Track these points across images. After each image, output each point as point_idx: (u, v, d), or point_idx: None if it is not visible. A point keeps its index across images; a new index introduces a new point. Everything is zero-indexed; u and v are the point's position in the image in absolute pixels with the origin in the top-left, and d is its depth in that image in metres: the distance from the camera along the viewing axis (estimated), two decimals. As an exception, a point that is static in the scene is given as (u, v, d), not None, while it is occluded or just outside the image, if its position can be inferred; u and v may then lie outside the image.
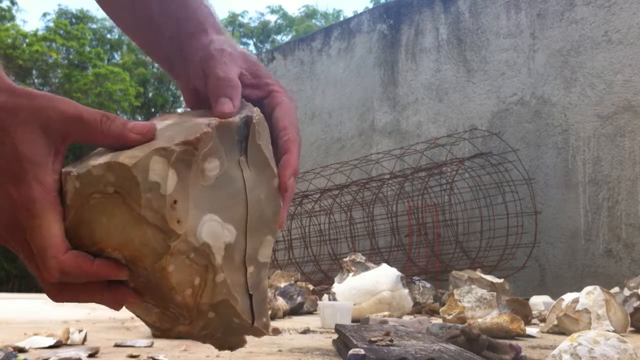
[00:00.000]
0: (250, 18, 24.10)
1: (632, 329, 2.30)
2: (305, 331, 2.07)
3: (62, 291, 0.52)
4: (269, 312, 2.60)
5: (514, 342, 1.50)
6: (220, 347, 0.59)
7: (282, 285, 3.38)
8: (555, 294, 3.14)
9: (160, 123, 0.54)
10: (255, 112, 0.57)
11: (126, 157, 0.49)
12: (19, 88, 0.50)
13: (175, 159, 0.49)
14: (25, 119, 0.49)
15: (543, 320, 2.71)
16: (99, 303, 0.53)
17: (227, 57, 0.60)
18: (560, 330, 2.20)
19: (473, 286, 2.69)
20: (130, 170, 0.48)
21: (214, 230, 0.52)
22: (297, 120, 0.63)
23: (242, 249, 0.54)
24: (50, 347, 1.55)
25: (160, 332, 0.57)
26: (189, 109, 0.61)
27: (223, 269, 0.52)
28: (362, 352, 1.10)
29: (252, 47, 20.50)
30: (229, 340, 0.57)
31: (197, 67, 0.61)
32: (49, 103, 0.50)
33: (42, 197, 0.49)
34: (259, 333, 0.57)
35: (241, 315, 0.55)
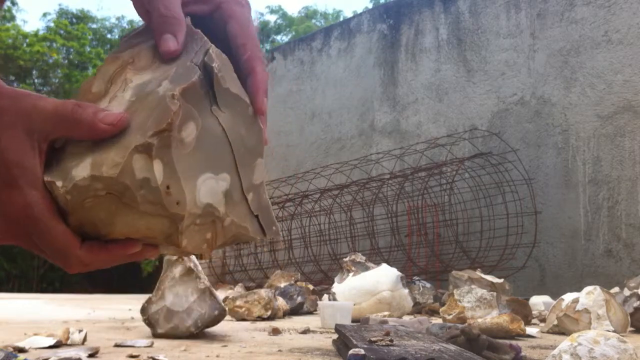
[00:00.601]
0: (250, 18, 23.94)
1: (632, 329, 2.30)
2: (305, 331, 2.07)
3: (89, 268, 0.53)
4: (270, 312, 2.59)
5: (514, 342, 1.50)
6: (237, 243, 0.62)
7: (282, 285, 3.38)
8: (555, 294, 3.14)
9: (121, 97, 0.53)
10: (213, 56, 0.54)
11: (108, 167, 0.49)
12: (5, 88, 0.50)
13: (155, 151, 0.49)
14: (9, 122, 0.48)
15: (543, 320, 2.71)
16: (116, 263, 0.55)
17: None
18: (560, 330, 2.20)
19: (473, 286, 2.69)
20: (117, 180, 0.49)
21: (210, 187, 0.53)
22: (254, 29, 0.59)
23: (238, 185, 0.56)
24: (50, 347, 1.55)
25: (181, 255, 0.61)
26: (139, 48, 0.57)
27: (227, 213, 0.55)
28: (362, 352, 1.10)
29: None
30: (245, 240, 0.60)
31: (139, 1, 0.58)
32: (32, 103, 0.49)
33: (38, 201, 0.49)
34: (270, 239, 0.61)
35: (252, 236, 0.58)
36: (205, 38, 0.56)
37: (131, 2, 0.61)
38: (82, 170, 0.49)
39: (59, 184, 0.49)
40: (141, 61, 0.56)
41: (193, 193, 0.52)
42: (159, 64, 0.55)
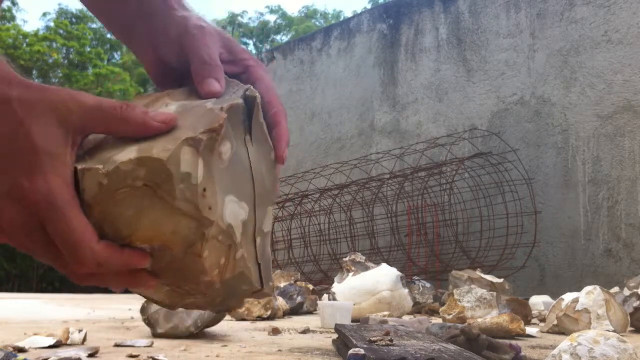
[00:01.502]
0: (250, 18, 24.09)
1: (632, 329, 2.30)
2: (305, 331, 2.07)
3: (88, 278, 0.52)
4: (270, 312, 2.60)
5: (514, 342, 1.50)
6: (218, 311, 0.62)
7: (282, 285, 3.38)
8: (555, 294, 3.14)
9: (167, 108, 0.55)
10: (254, 90, 0.58)
11: (159, 151, 0.49)
12: (33, 83, 0.49)
13: (203, 148, 0.50)
14: (41, 111, 0.48)
15: (543, 320, 2.71)
16: (118, 287, 0.54)
17: (207, 36, 0.60)
18: (560, 330, 2.20)
19: (473, 286, 2.69)
20: (165, 164, 0.49)
21: (234, 210, 0.54)
22: (276, 91, 0.64)
23: (253, 223, 0.57)
24: (50, 347, 1.55)
25: (164, 306, 0.59)
26: (170, 90, 0.60)
27: (242, 245, 0.55)
28: (362, 352, 1.10)
29: (252, 47, 20.50)
30: (227, 304, 0.60)
31: (174, 43, 0.61)
32: (68, 95, 0.49)
33: (62, 189, 0.48)
34: (264, 295, 0.60)
35: (253, 283, 0.58)
36: (242, 84, 0.60)
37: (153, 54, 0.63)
38: (127, 154, 0.49)
39: (100, 166, 0.49)
40: (177, 95, 0.58)
41: (222, 207, 0.52)
42: (197, 98, 0.57)
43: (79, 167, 0.49)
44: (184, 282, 0.54)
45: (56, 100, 0.49)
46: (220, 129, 0.51)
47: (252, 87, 0.58)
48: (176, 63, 0.61)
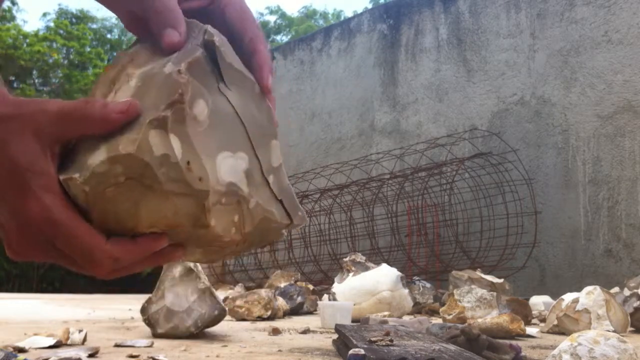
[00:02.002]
0: (250, 18, 23.92)
1: (632, 329, 2.30)
2: (305, 331, 2.07)
3: (114, 273, 0.52)
4: (270, 312, 2.59)
5: (514, 342, 1.50)
6: (262, 247, 0.60)
7: (282, 285, 3.38)
8: (555, 294, 3.14)
9: (126, 87, 0.53)
10: (212, 32, 0.54)
11: (125, 145, 0.48)
12: (9, 97, 0.49)
13: (170, 124, 0.49)
14: (16, 128, 0.47)
15: (543, 320, 2.71)
16: (143, 268, 0.54)
17: None
18: (560, 330, 2.20)
19: (473, 286, 2.69)
20: (136, 156, 0.48)
21: (230, 166, 0.52)
22: (252, 14, 0.59)
23: (258, 166, 0.55)
24: (50, 347, 1.55)
25: (206, 263, 0.59)
26: (136, 48, 0.57)
27: (251, 194, 0.54)
28: (362, 352, 1.10)
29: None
30: (267, 239, 0.58)
31: None
32: (37, 107, 0.48)
33: (55, 203, 0.48)
34: (298, 225, 0.58)
35: (280, 221, 0.56)
36: (201, 24, 0.55)
37: (116, 16, 0.60)
38: (97, 156, 0.49)
39: (76, 175, 0.48)
40: (140, 58, 0.55)
41: (214, 170, 0.51)
42: (160, 56, 0.54)
43: (61, 177, 0.49)
44: (210, 244, 0.54)
45: (28, 113, 0.48)
46: (182, 97, 0.49)
47: (209, 29, 0.54)
48: (141, 12, 0.57)
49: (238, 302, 2.65)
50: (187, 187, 0.49)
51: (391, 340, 1.28)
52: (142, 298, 2.15)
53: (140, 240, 0.50)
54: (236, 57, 0.56)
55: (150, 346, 1.58)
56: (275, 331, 2.00)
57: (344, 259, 3.02)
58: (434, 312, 3.15)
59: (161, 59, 0.53)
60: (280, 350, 1.56)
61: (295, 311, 3.03)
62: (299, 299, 3.08)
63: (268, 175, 0.56)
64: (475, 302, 2.46)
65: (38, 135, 0.48)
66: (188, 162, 0.49)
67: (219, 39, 0.54)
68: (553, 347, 1.50)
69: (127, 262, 0.51)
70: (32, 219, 0.48)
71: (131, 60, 0.55)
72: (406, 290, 2.79)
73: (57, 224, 0.48)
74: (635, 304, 2.31)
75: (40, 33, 16.29)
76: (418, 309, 3.22)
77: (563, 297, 2.29)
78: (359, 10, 19.95)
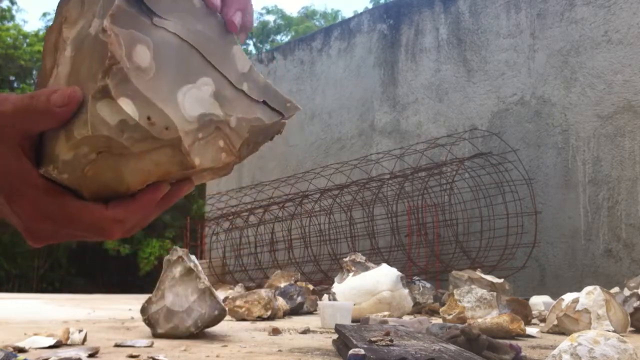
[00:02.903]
0: (250, 18, 23.92)
1: (632, 329, 2.30)
2: (305, 331, 2.07)
3: (130, 230, 0.52)
4: (270, 312, 2.59)
5: (514, 342, 1.50)
6: (271, 139, 0.59)
7: (282, 285, 3.39)
8: (555, 294, 3.14)
9: (64, 58, 0.51)
10: None
11: (79, 129, 0.48)
12: None
13: (113, 90, 0.47)
14: None
15: (543, 320, 2.71)
16: (161, 211, 0.54)
17: None
18: (560, 330, 2.20)
19: (473, 286, 2.69)
20: (93, 136, 0.47)
21: (195, 97, 0.51)
22: None
23: (226, 82, 0.53)
24: (50, 347, 1.55)
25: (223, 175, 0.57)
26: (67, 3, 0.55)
27: (228, 113, 0.52)
28: (362, 352, 1.10)
29: (251, 47, 20.51)
30: (272, 131, 0.57)
31: None
32: None
33: (46, 197, 0.49)
34: (289, 117, 0.57)
35: (270, 122, 0.55)
36: None
37: None
38: (61, 144, 0.49)
39: (50, 168, 0.49)
40: (72, 14, 0.53)
41: (178, 111, 0.49)
42: (88, 6, 0.52)
43: (40, 171, 0.49)
44: (213, 166, 0.53)
45: None
46: (114, 58, 0.47)
47: None
48: None
49: (238, 302, 2.65)
50: (156, 142, 0.48)
51: (391, 340, 1.28)
52: (142, 298, 2.15)
53: (140, 195, 0.50)
54: None
55: (150, 346, 1.58)
56: (275, 331, 2.00)
57: (344, 259, 3.02)
58: (434, 312, 3.15)
59: (89, 12, 0.51)
60: (280, 350, 1.56)
61: (295, 311, 3.03)
62: (299, 299, 3.08)
63: (241, 85, 0.54)
64: (475, 302, 2.46)
65: (3, 137, 0.48)
66: (148, 117, 0.48)
67: None
68: (553, 347, 1.50)
69: (134, 220, 0.51)
70: (34, 218, 0.49)
71: (65, 19, 0.54)
72: (406, 290, 2.79)
73: (53, 214, 0.49)
74: (635, 304, 2.31)
75: (40, 33, 16.28)
76: (418, 309, 3.22)
77: (563, 297, 2.29)
78: (359, 10, 19.97)
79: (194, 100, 0.50)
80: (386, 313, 2.51)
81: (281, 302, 2.85)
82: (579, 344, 1.14)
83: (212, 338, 1.83)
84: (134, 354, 1.40)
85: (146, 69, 0.48)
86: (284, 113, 0.56)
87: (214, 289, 1.91)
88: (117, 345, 1.59)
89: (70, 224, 0.50)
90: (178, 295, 1.85)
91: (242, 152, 0.54)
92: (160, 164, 0.49)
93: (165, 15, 0.51)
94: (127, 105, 0.47)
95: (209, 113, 0.51)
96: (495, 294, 2.52)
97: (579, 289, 2.33)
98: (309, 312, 3.15)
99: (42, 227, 0.50)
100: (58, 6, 0.55)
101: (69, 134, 0.48)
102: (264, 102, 0.55)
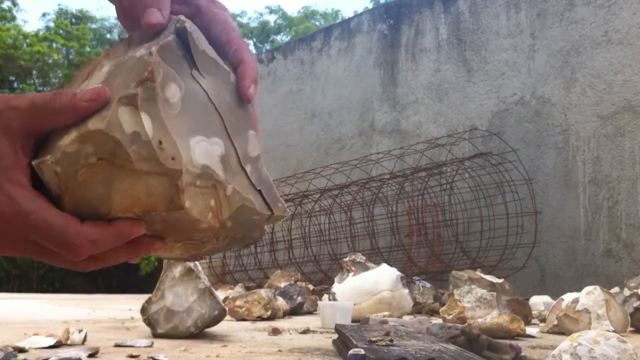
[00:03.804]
0: (250, 18, 24.09)
1: (632, 329, 2.30)
2: (305, 331, 2.07)
3: (91, 263, 0.52)
4: (270, 312, 2.59)
5: (514, 342, 1.50)
6: (245, 245, 0.60)
7: (282, 285, 3.39)
8: (555, 294, 3.14)
9: (99, 73, 0.53)
10: (184, 20, 0.54)
11: (95, 122, 0.48)
12: None
13: (140, 102, 0.48)
14: None
15: (543, 320, 2.71)
16: (123, 260, 0.53)
17: None
18: (560, 330, 2.20)
19: (473, 286, 2.69)
20: (106, 133, 0.47)
21: (204, 149, 0.51)
22: (235, 25, 0.59)
23: (234, 153, 0.54)
24: (50, 347, 1.55)
25: (187, 260, 0.58)
26: (113, 46, 0.58)
27: (228, 180, 0.53)
28: (362, 352, 1.10)
29: (252, 47, 20.50)
30: (251, 235, 0.58)
31: None
32: (4, 103, 0.49)
33: (23, 194, 0.47)
34: (279, 218, 0.58)
35: (259, 211, 0.56)
36: (179, 16, 0.55)
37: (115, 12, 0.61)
38: (69, 136, 0.48)
39: (47, 157, 0.48)
40: (116, 52, 0.55)
41: (187, 151, 0.50)
42: (135, 48, 0.54)
43: (33, 163, 0.49)
44: (189, 234, 0.53)
45: None
46: (152, 75, 0.48)
47: (181, 18, 0.54)
48: (127, 3, 0.58)
49: (238, 302, 2.65)
50: (159, 166, 0.48)
51: (391, 340, 1.28)
52: (142, 298, 2.15)
53: (117, 222, 0.50)
54: (210, 47, 0.55)
55: (150, 346, 1.58)
56: (275, 331, 2.00)
57: (344, 259, 3.02)
58: (434, 312, 3.15)
59: (135, 50, 0.53)
60: (280, 350, 1.56)
61: (295, 311, 3.03)
62: (299, 299, 3.08)
63: (245, 164, 0.55)
64: (475, 302, 2.46)
65: (7, 131, 0.48)
66: (160, 142, 0.48)
67: (191, 25, 0.54)
68: (553, 347, 1.50)
69: (104, 246, 0.50)
70: (3, 215, 0.47)
71: (107, 55, 0.55)
72: (406, 290, 2.79)
73: (26, 214, 0.47)
74: (635, 304, 2.31)
75: (40, 33, 16.29)
76: (418, 309, 3.22)
77: (563, 297, 2.29)
78: (359, 10, 19.96)
79: (203, 151, 0.51)
80: (386, 313, 2.51)
81: (281, 302, 2.85)
82: (579, 344, 1.14)
83: (212, 338, 1.83)
84: (134, 354, 1.40)
85: (172, 105, 0.50)
86: (274, 210, 0.56)
87: (214, 289, 1.91)
88: (117, 345, 1.59)
89: (37, 231, 0.48)
90: (178, 295, 1.85)
91: (225, 227, 0.54)
92: (152, 194, 0.49)
93: (204, 74, 0.53)
94: (146, 121, 0.48)
95: (212, 169, 0.52)
96: (495, 294, 2.52)
97: (579, 289, 2.33)
98: (309, 312, 3.15)
99: (7, 235, 0.48)
100: (104, 49, 0.57)
101: (81, 127, 0.48)
102: (260, 192, 0.56)
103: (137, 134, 0.48)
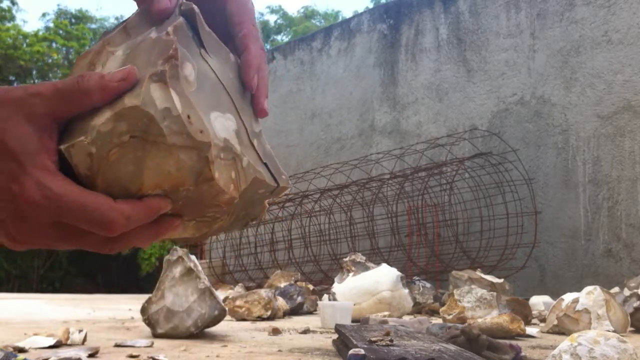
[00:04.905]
0: (250, 18, 23.91)
1: (632, 329, 2.30)
2: (305, 331, 2.07)
3: (119, 241, 0.52)
4: (270, 312, 2.59)
5: (514, 342, 1.50)
6: (245, 224, 0.62)
7: (282, 285, 3.39)
8: (555, 294, 3.14)
9: (113, 58, 0.54)
10: (188, 3, 0.56)
11: (131, 99, 0.49)
12: None
13: (169, 78, 0.50)
14: (7, 114, 0.48)
15: (543, 320, 2.71)
16: (147, 241, 0.54)
17: None
18: (560, 330, 2.20)
19: (473, 286, 2.69)
20: (142, 109, 0.49)
21: (222, 124, 0.54)
22: (253, 9, 0.61)
23: (244, 129, 0.57)
24: (50, 347, 1.55)
25: (196, 239, 0.59)
26: (107, 37, 0.57)
27: (244, 153, 0.55)
28: (362, 352, 1.10)
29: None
30: (250, 215, 0.60)
31: None
32: (25, 92, 0.49)
33: (54, 179, 0.48)
34: (283, 190, 0.60)
35: (268, 183, 0.58)
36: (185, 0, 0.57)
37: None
38: (102, 116, 0.49)
39: (82, 138, 0.49)
40: (116, 40, 0.56)
41: (210, 126, 0.52)
42: (135, 33, 0.55)
43: (63, 147, 0.49)
44: (206, 210, 0.55)
45: (17, 97, 0.48)
46: (176, 52, 0.50)
47: (184, 0, 0.56)
48: None
49: (238, 302, 2.65)
50: (190, 139, 0.50)
51: (391, 340, 1.28)
52: (142, 298, 2.15)
53: (147, 199, 0.51)
54: (210, 31, 0.57)
55: (150, 346, 1.58)
56: (275, 331, 2.00)
57: (344, 259, 3.02)
58: (434, 312, 3.15)
59: (141, 35, 0.54)
60: (280, 350, 1.56)
61: (295, 311, 3.03)
62: (299, 299, 3.08)
63: (252, 139, 0.57)
64: (475, 302, 2.46)
65: (31, 117, 0.48)
66: (188, 116, 0.50)
67: (196, 7, 0.56)
68: (553, 347, 1.50)
69: (137, 222, 0.50)
70: (32, 200, 0.47)
71: (107, 43, 0.56)
72: (406, 290, 2.79)
73: (59, 196, 0.47)
74: (635, 304, 2.31)
75: (40, 33, 16.30)
76: (418, 309, 3.22)
77: (563, 297, 2.29)
78: (359, 10, 19.95)
79: (221, 126, 0.53)
80: (386, 313, 2.51)
81: (281, 302, 2.85)
82: (579, 344, 1.14)
83: (212, 338, 1.83)
84: (134, 354, 1.40)
85: (190, 83, 0.52)
86: (279, 181, 0.59)
87: (213, 289, 1.91)
88: (117, 345, 1.59)
89: (70, 212, 0.48)
90: (178, 295, 1.85)
91: (242, 198, 0.56)
92: (182, 168, 0.51)
93: (210, 53, 0.56)
94: (175, 98, 0.50)
95: (231, 142, 0.54)
96: (495, 294, 2.52)
97: (579, 289, 2.33)
98: (309, 312, 3.15)
99: (34, 222, 0.48)
100: (100, 37, 0.58)
101: (116, 105, 0.49)
102: (266, 165, 0.58)
103: (168, 109, 0.49)
